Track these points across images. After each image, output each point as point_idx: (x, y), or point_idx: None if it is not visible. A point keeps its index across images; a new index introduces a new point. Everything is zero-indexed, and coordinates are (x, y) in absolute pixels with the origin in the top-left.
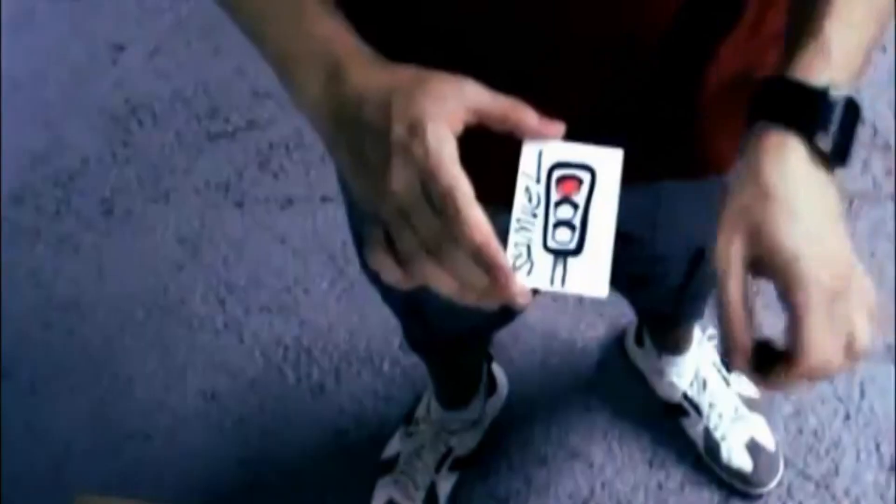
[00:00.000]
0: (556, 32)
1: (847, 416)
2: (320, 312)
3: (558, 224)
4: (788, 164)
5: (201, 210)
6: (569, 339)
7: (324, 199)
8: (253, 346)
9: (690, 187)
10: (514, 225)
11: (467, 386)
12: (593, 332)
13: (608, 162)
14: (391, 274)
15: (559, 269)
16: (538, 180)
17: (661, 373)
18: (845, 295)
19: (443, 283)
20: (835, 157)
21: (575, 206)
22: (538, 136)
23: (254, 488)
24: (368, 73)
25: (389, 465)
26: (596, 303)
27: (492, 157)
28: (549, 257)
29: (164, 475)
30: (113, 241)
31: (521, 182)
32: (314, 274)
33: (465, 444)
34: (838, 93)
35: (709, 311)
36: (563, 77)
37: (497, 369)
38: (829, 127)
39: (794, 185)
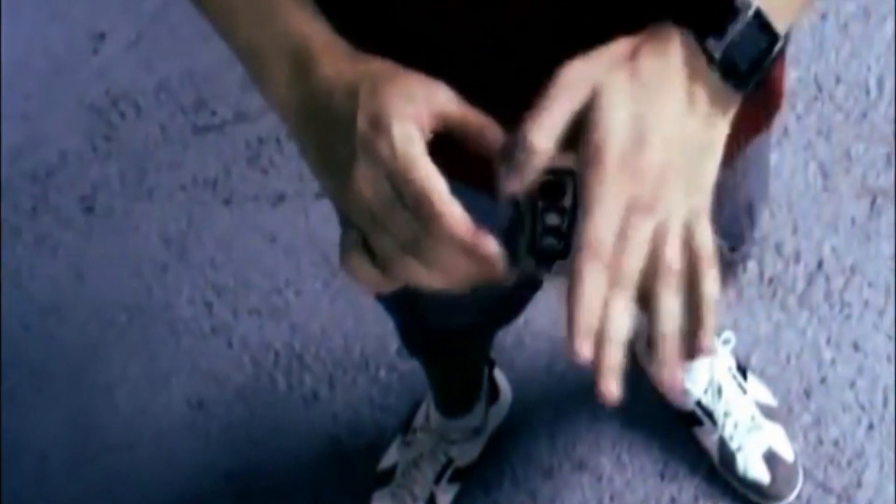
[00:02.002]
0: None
1: (870, 426)
2: (313, 315)
3: (545, 231)
4: (668, 56)
5: (187, 208)
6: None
7: (317, 196)
8: (242, 352)
9: None
10: (499, 236)
11: (468, 392)
12: None
13: None
14: (368, 278)
15: (543, 271)
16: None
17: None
18: (655, 213)
19: (427, 279)
20: (726, 72)
21: (561, 211)
22: (505, 149)
23: (242, 502)
24: (339, 65)
25: (386, 477)
26: None
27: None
28: (532, 262)
29: (148, 488)
30: (93, 240)
31: (503, 192)
32: (306, 275)
33: (465, 454)
34: (748, 2)
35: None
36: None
37: (499, 375)
38: (726, 35)
39: (663, 76)
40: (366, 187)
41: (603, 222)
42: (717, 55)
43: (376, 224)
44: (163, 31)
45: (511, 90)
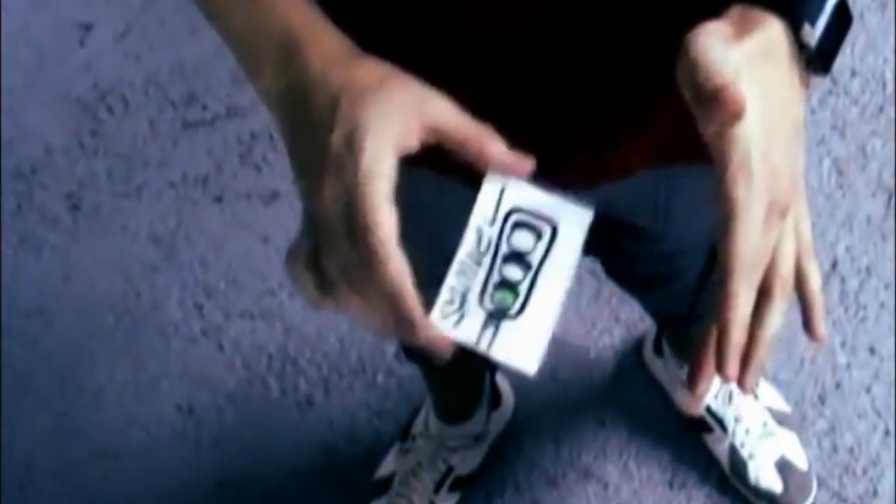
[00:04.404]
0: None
1: (886, 433)
2: (307, 318)
3: (502, 283)
4: (777, 45)
5: (177, 206)
6: (581, 346)
7: None
8: (233, 355)
9: (707, 174)
10: (454, 267)
11: (468, 398)
12: (608, 340)
13: (574, 220)
14: (306, 290)
15: (489, 330)
16: (493, 222)
17: (682, 384)
18: (787, 214)
19: (358, 312)
20: (817, 60)
21: (526, 266)
22: (502, 169)
23: None
24: (327, 62)
25: (383, 486)
26: (611, 307)
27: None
28: (482, 314)
29: (136, 496)
30: (80, 240)
31: (474, 221)
32: None
33: (466, 462)
34: None
35: None
36: (553, 48)
37: (501, 380)
38: (818, 21)
39: (776, 66)
40: (329, 200)
41: (754, 230)
42: (812, 42)
43: (329, 240)
44: (152, 22)
45: (517, 79)
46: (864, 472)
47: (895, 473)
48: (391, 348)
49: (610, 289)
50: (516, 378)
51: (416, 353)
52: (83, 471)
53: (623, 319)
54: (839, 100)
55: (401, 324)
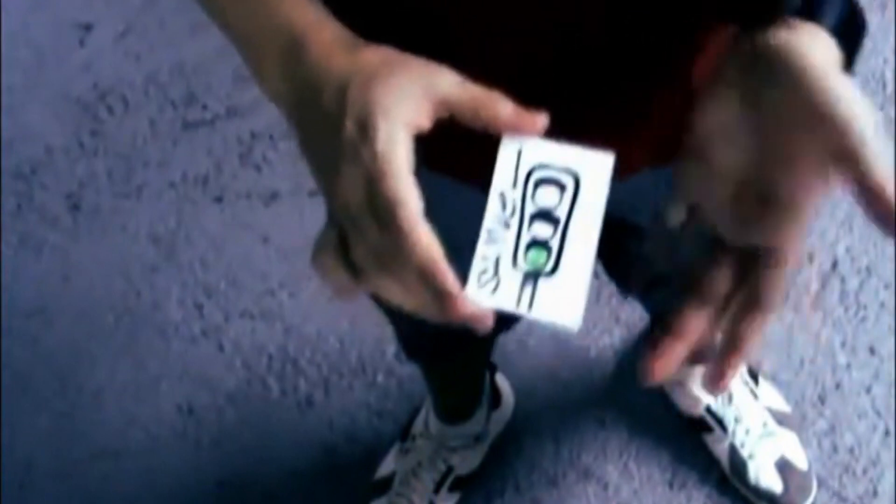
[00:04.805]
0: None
1: (886, 433)
2: (307, 318)
3: (533, 243)
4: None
5: (177, 206)
6: (581, 346)
7: (311, 194)
8: (233, 356)
9: None
10: (483, 235)
11: (468, 398)
12: (608, 339)
13: (595, 165)
14: (337, 281)
15: (527, 290)
16: (514, 184)
17: (682, 384)
18: None
19: (395, 296)
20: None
21: (554, 222)
22: (515, 130)
23: None
24: (331, 53)
25: (383, 486)
26: (611, 307)
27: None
28: (518, 276)
29: (136, 497)
30: (80, 240)
31: (496, 186)
32: (301, 276)
33: (466, 462)
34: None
35: None
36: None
37: (501, 380)
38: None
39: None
40: (349, 188)
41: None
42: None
43: (355, 229)
44: (152, 22)
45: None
46: (864, 472)
47: (895, 473)
48: (391, 348)
49: (610, 289)
50: (516, 378)
51: (414, 350)
52: (83, 471)
53: (623, 319)
54: None
55: (437, 299)
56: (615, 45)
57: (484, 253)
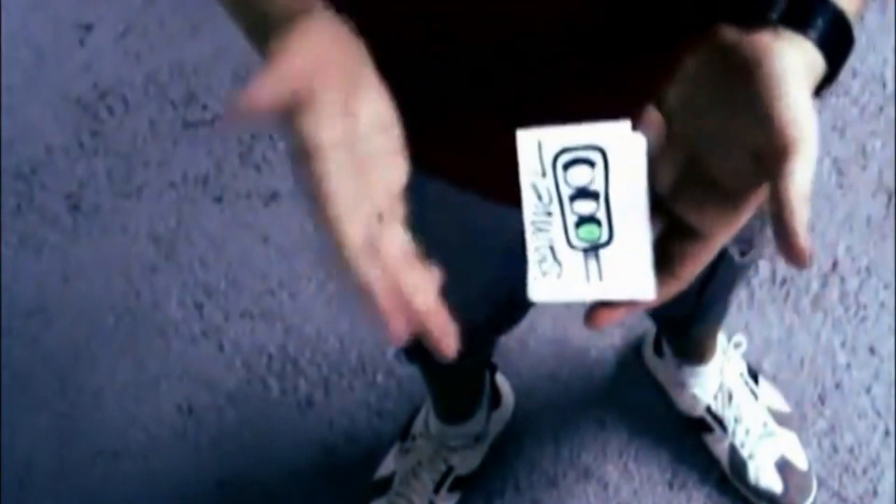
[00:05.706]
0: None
1: (886, 433)
2: (307, 318)
3: (581, 220)
4: (806, 59)
5: (177, 206)
6: (581, 347)
7: None
8: (233, 356)
9: None
10: (528, 229)
11: (468, 398)
12: (608, 340)
13: (617, 135)
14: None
15: (592, 265)
16: (543, 174)
17: (682, 385)
18: None
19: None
20: (828, 74)
21: (594, 196)
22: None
23: None
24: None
25: (383, 486)
26: None
27: (494, 149)
28: (578, 254)
29: (136, 496)
30: (80, 240)
31: (525, 179)
32: (301, 275)
33: (466, 462)
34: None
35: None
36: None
37: (502, 380)
38: (843, 47)
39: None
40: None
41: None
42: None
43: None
44: (152, 22)
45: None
46: (864, 472)
47: (895, 473)
48: (391, 348)
49: None
50: (516, 378)
51: (417, 353)
52: (83, 471)
53: (623, 321)
54: (839, 100)
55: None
56: (615, 28)
57: (535, 244)
